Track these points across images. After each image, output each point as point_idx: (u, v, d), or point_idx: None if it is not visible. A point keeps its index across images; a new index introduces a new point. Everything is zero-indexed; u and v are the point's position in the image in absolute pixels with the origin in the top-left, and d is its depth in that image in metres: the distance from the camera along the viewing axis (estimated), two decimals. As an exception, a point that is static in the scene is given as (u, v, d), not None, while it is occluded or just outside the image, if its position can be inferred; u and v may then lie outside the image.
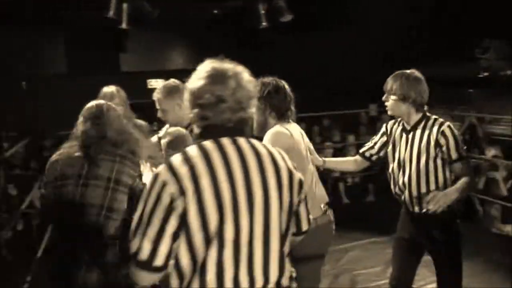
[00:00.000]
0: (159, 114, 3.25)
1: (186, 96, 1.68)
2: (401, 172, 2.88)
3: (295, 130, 2.85)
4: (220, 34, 8.03)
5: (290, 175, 1.67)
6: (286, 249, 1.67)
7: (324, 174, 7.35)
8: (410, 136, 2.87)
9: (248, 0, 6.35)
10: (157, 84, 4.48)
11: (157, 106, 3.23)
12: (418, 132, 2.85)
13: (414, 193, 2.83)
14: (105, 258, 2.60)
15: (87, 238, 2.58)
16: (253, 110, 1.68)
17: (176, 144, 2.92)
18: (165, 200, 1.51)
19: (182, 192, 1.50)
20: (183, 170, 1.53)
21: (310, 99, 8.75)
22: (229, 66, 1.65)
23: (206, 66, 1.66)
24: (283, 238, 1.64)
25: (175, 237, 1.51)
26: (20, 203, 5.68)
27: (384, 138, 3.04)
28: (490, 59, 7.23)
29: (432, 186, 2.78)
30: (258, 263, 1.58)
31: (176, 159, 1.58)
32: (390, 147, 2.97)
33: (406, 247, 2.95)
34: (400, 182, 2.88)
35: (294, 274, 1.74)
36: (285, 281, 1.65)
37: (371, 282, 4.37)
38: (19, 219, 5.86)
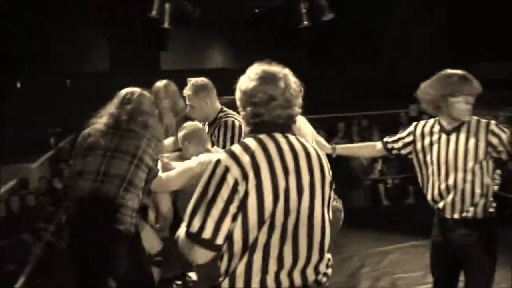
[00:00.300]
0: (188, 110, 3.44)
1: (238, 96, 1.83)
2: (443, 176, 2.73)
3: (300, 120, 2.93)
4: (260, 34, 8.04)
5: (330, 173, 1.87)
6: (327, 237, 1.82)
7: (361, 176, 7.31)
8: (453, 138, 2.73)
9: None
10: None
11: (187, 102, 3.41)
12: (463, 134, 2.71)
13: (458, 197, 2.71)
14: (114, 252, 2.69)
15: (97, 230, 2.67)
16: (298, 108, 1.83)
17: (192, 137, 3.13)
18: (230, 182, 1.65)
19: (245, 177, 1.65)
20: (245, 158, 1.68)
21: (349, 98, 8.69)
22: (277, 68, 1.81)
23: (256, 69, 1.82)
24: (324, 227, 1.80)
25: (234, 218, 1.66)
26: (65, 197, 5.85)
27: (410, 138, 2.91)
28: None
29: (477, 190, 2.67)
30: (302, 247, 1.74)
31: (237, 148, 1.72)
32: (426, 149, 2.81)
33: (443, 256, 2.84)
34: (443, 186, 2.74)
35: (331, 262, 1.86)
36: (323, 267, 1.80)
37: (412, 286, 4.30)
38: (64, 213, 6.03)
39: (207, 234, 1.64)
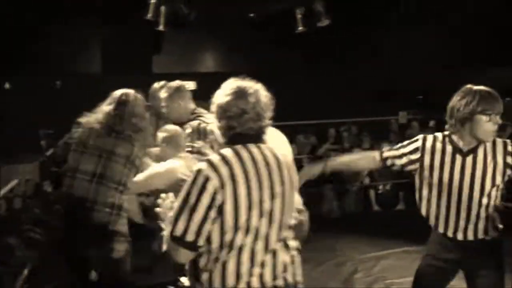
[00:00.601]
0: (164, 110, 3.65)
1: (214, 109, 2.01)
2: (454, 198, 2.61)
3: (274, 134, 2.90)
4: (254, 38, 8.06)
5: (296, 179, 2.09)
6: (291, 236, 2.07)
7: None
8: (469, 160, 2.58)
9: (285, 4, 6.35)
10: (187, 86, 4.63)
11: (162, 104, 3.64)
12: (480, 156, 2.57)
13: (472, 220, 2.62)
14: (108, 252, 2.74)
15: (94, 231, 2.72)
16: (268, 120, 2.02)
17: (170, 141, 3.29)
18: (210, 191, 1.84)
19: (222, 186, 1.85)
20: (224, 169, 1.87)
21: (341, 104, 8.72)
22: (249, 84, 2.01)
23: (230, 84, 2.01)
24: (290, 227, 2.06)
25: (213, 222, 1.86)
26: (55, 200, 5.76)
27: (417, 155, 2.70)
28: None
29: (491, 212, 2.60)
30: (271, 246, 1.95)
31: (216, 158, 1.90)
32: (435, 168, 2.64)
33: (444, 274, 2.76)
34: (453, 209, 2.63)
35: (295, 245, 2.08)
36: (287, 257, 2.01)
37: (405, 292, 4.32)
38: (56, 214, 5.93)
39: (190, 237, 1.85)
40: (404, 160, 2.75)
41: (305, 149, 8.08)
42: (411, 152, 2.73)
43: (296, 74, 8.30)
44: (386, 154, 2.81)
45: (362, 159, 3.04)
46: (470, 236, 2.63)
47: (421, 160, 2.69)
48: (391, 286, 4.48)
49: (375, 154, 2.86)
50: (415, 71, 8.41)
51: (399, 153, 2.77)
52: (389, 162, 2.79)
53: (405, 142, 2.79)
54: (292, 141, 7.63)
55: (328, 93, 8.83)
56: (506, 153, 2.57)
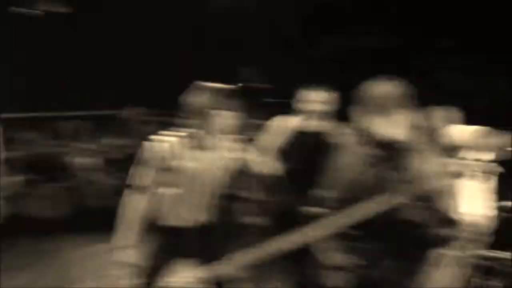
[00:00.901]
0: None
1: None
2: (191, 193, 2.76)
3: None
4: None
5: None
6: None
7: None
8: (206, 154, 2.75)
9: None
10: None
11: None
12: (217, 150, 2.77)
13: (204, 210, 2.83)
14: None
15: None
16: None
17: None
18: None
19: None
20: None
21: (71, 96, 8.21)
22: None
23: None
24: None
25: None
26: None
27: (162, 165, 2.75)
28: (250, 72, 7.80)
29: (222, 198, 2.89)
30: None
31: None
32: (179, 168, 2.74)
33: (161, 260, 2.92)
34: (194, 204, 2.80)
35: None
36: None
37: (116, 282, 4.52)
38: None
39: None
40: (150, 178, 2.75)
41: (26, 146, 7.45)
42: (156, 166, 2.74)
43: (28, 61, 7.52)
44: (145, 190, 2.75)
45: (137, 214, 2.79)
46: (201, 221, 2.82)
47: (166, 168, 2.74)
48: (105, 278, 4.53)
49: (143, 194, 2.76)
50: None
51: (148, 177, 2.76)
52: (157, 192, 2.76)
53: (145, 163, 2.76)
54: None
55: (58, 84, 8.28)
56: (234, 147, 2.81)
